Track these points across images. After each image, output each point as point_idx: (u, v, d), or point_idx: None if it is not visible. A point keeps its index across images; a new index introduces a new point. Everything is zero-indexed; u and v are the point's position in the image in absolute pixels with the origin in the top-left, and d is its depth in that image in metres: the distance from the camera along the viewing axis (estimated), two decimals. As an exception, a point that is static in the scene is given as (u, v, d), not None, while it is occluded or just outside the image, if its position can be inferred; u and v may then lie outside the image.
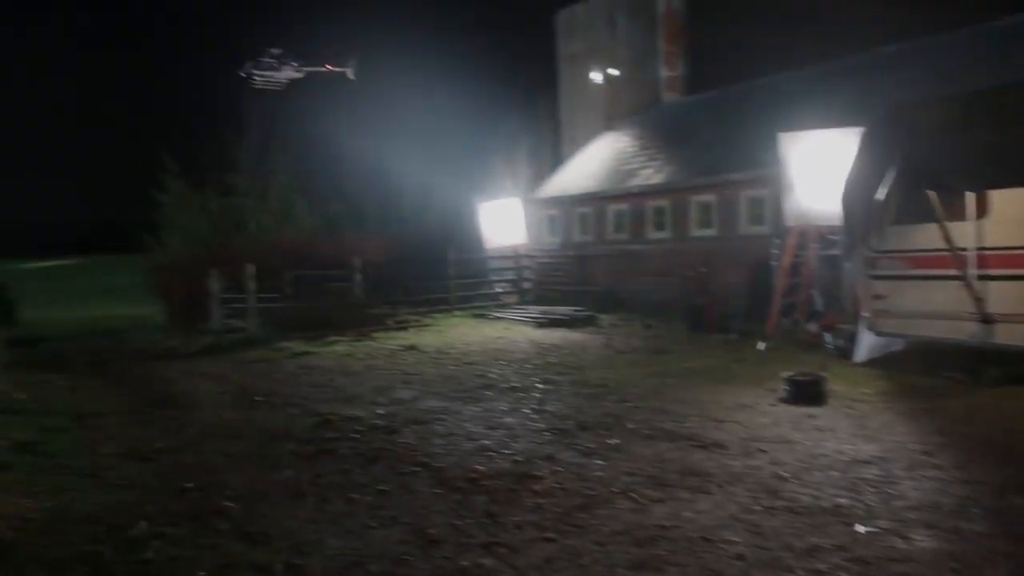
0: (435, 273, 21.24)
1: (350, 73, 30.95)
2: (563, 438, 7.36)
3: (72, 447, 7.71)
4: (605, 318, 17.59)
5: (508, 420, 8.24)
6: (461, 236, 25.55)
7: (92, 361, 15.65)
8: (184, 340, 18.91)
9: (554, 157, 28.93)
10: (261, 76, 29.46)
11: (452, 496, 5.73)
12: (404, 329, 17.47)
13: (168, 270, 25.02)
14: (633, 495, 5.56)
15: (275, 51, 29.81)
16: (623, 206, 20.67)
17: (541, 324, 17.33)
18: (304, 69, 30.46)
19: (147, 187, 27.21)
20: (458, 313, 20.11)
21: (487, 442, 7.31)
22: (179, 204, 26.85)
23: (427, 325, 18.19)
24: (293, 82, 30.41)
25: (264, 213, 28.03)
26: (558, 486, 5.87)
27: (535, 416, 8.38)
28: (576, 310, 18.40)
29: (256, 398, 10.14)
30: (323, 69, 30.99)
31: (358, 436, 7.74)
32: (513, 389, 9.96)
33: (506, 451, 6.96)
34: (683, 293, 16.16)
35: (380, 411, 8.93)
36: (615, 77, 25.27)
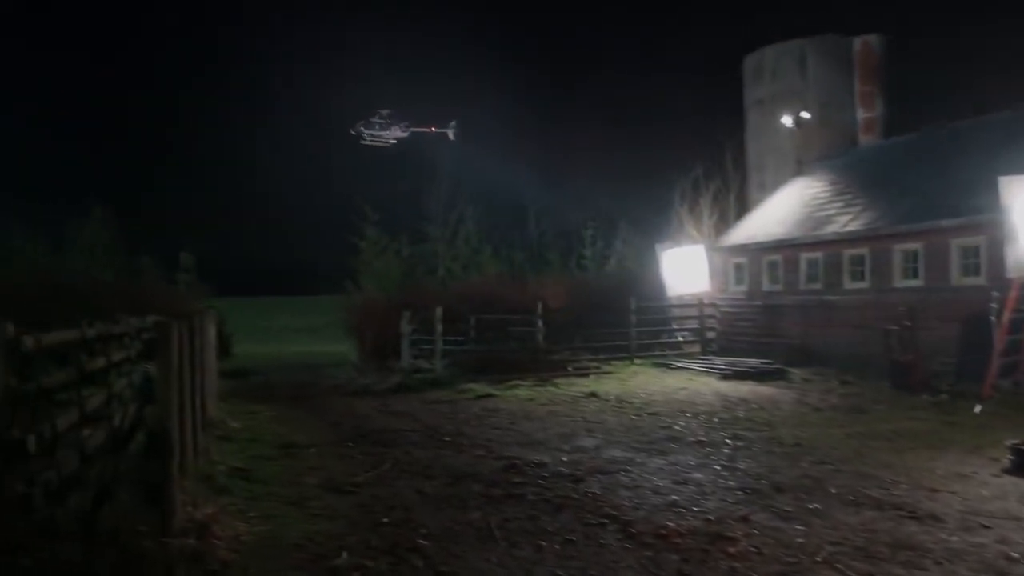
0: (616, 321, 21.11)
1: (451, 134, 32.20)
2: (757, 498, 6.97)
3: (280, 476, 8.25)
4: (796, 372, 16.68)
5: (697, 476, 7.94)
6: (643, 284, 25.35)
7: (294, 394, 16.81)
8: (376, 378, 19.88)
9: (739, 204, 28.15)
10: (371, 135, 31.32)
11: (642, 552, 5.56)
12: (584, 376, 17.44)
13: (363, 311, 26.55)
14: (839, 566, 5.14)
15: (384, 112, 31.72)
16: (817, 254, 19.64)
17: (726, 376, 16.71)
18: (410, 129, 32.17)
19: (342, 232, 29.22)
20: (638, 361, 19.82)
21: (675, 497, 7.07)
22: (375, 250, 28.55)
23: (607, 373, 18.06)
24: (400, 141, 32.24)
25: (452, 259, 29.22)
26: (754, 550, 5.54)
27: (725, 473, 8.02)
28: (764, 362, 17.60)
29: (444, 438, 10.44)
30: (428, 130, 32.61)
31: (544, 482, 7.74)
32: (700, 443, 9.61)
33: (696, 508, 6.70)
34: (884, 348, 15.01)
35: (564, 458, 8.90)
36: (806, 120, 24.31)
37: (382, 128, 31.91)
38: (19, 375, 4.98)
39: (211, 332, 14.27)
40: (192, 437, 7.19)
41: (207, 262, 32.15)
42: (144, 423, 5.46)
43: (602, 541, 5.84)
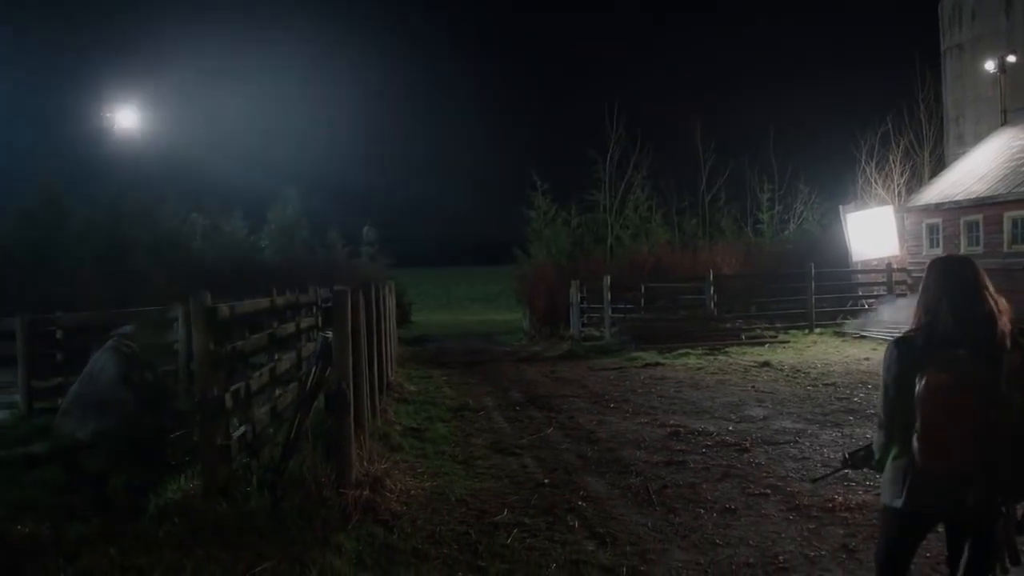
0: (794, 288, 20.20)
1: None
2: (939, 475, 6.52)
3: (450, 436, 8.69)
4: (997, 342, 15.26)
5: (873, 449, 7.53)
6: (825, 249, 24.03)
7: (467, 360, 17.51)
8: (546, 345, 20.28)
9: (934, 161, 25.92)
10: None
11: (805, 524, 5.39)
12: (758, 345, 16.85)
13: (533, 279, 27.07)
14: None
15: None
16: (1023, 213, 17.80)
17: (916, 346, 15.55)
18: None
19: (518, 204, 29.72)
20: (818, 330, 18.87)
21: (846, 470, 6.73)
22: (544, 219, 28.89)
23: (783, 342, 17.35)
24: None
25: (622, 227, 29.02)
26: (931, 528, 5.20)
27: (905, 447, 7.54)
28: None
29: (609, 404, 10.52)
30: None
31: (707, 451, 7.64)
32: (880, 415, 9.07)
33: (869, 483, 6.36)
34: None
35: (730, 427, 8.73)
36: (1013, 65, 21.88)
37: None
38: (216, 340, 5.55)
39: (390, 301, 15.12)
40: (369, 398, 7.71)
41: (391, 236, 33.89)
42: (324, 384, 5.93)
43: (763, 511, 5.71)
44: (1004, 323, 2.88)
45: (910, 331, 3.03)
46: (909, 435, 2.88)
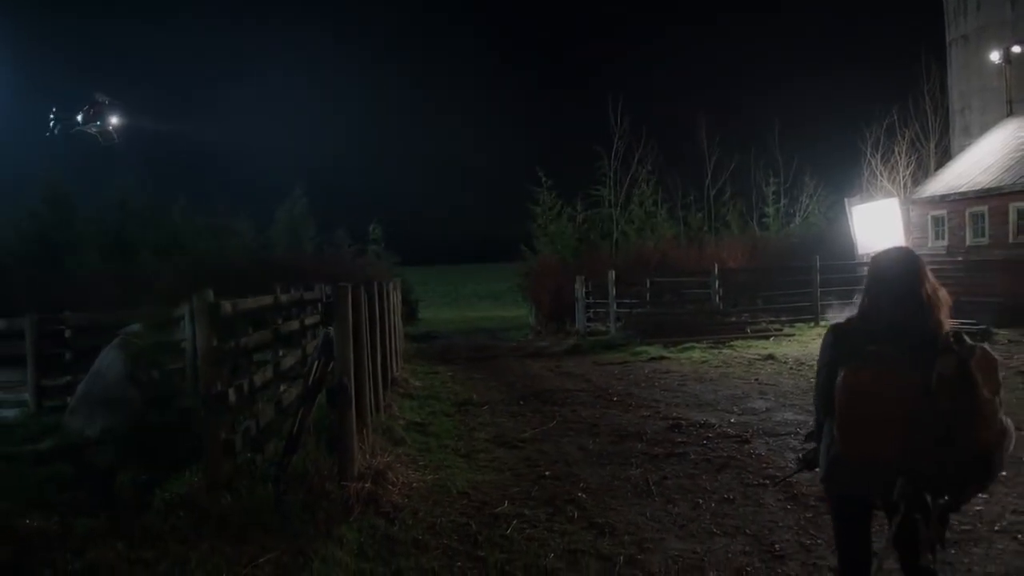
0: (799, 281, 20.20)
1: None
2: (938, 464, 6.55)
3: (453, 430, 8.76)
4: (1003, 333, 15.25)
5: (873, 439, 7.56)
6: (830, 242, 23.99)
7: (473, 356, 17.57)
8: (552, 340, 20.33)
9: (940, 152, 25.83)
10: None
11: (803, 513, 5.43)
12: (763, 338, 16.88)
13: (538, 275, 27.13)
14: (1019, 536, 4.78)
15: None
16: (1030, 204, 17.72)
17: (921, 337, 15.55)
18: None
19: (524, 201, 29.77)
20: (823, 323, 18.85)
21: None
22: (550, 215, 28.94)
23: (788, 335, 17.38)
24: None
25: (627, 223, 29.04)
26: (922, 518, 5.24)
27: (906, 437, 7.57)
28: (965, 323, 16.17)
29: (612, 398, 10.58)
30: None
31: (707, 442, 7.70)
32: (881, 407, 9.10)
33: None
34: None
35: (732, 419, 8.78)
36: (1019, 55, 21.78)
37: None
38: (220, 336, 5.64)
39: (395, 297, 15.19)
40: (373, 393, 7.78)
41: (398, 234, 33.93)
42: (327, 379, 6.00)
43: (761, 501, 5.77)
44: (938, 319, 2.84)
45: (850, 319, 3.07)
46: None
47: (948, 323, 2.88)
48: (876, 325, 2.90)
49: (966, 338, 2.81)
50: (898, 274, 2.94)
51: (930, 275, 2.93)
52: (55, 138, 24.81)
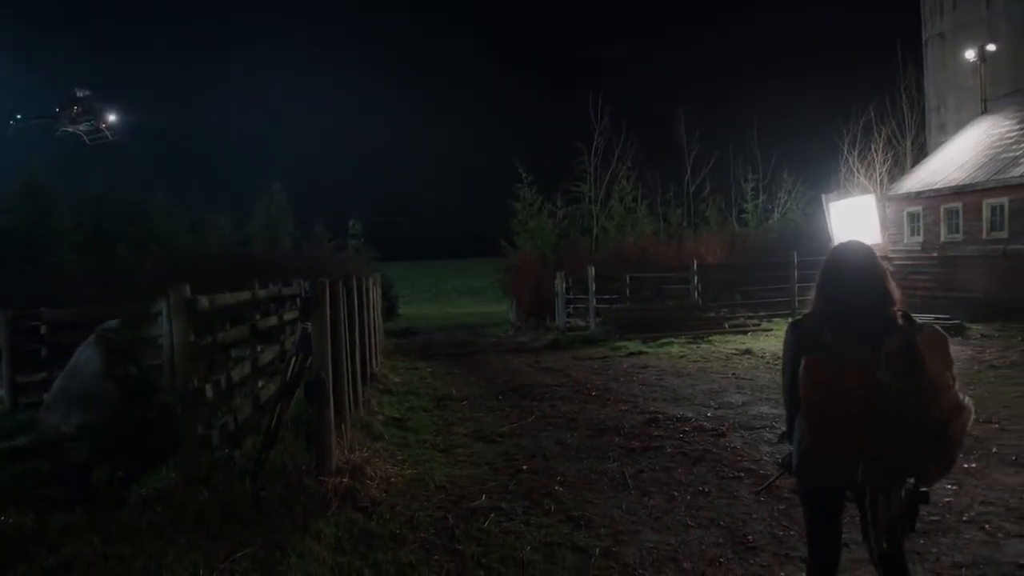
0: (777, 276, 20.40)
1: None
2: (909, 457, 6.66)
3: (432, 425, 8.79)
4: (976, 328, 15.48)
5: (846, 432, 7.67)
6: (808, 238, 24.21)
7: (453, 352, 17.59)
8: (532, 335, 20.38)
9: (916, 149, 26.14)
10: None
11: (776, 506, 5.51)
12: (741, 333, 17.04)
13: (518, 270, 27.18)
14: (986, 526, 4.88)
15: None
16: (1002, 200, 17.95)
17: (896, 332, 15.75)
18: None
19: (505, 197, 29.78)
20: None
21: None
22: (530, 210, 28.97)
23: (766, 330, 17.54)
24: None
25: (607, 218, 29.14)
26: (898, 507, 5.34)
27: (878, 431, 7.69)
28: (940, 318, 16.42)
29: (591, 393, 10.65)
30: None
31: (684, 436, 7.78)
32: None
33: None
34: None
35: (708, 413, 8.87)
36: (993, 54, 22.07)
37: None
38: (197, 331, 5.63)
39: (375, 293, 15.18)
40: (351, 388, 7.79)
41: (379, 229, 33.82)
42: (305, 374, 6.01)
43: (736, 493, 5.85)
44: (892, 312, 2.94)
45: (807, 315, 3.14)
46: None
47: (901, 311, 2.96)
48: (834, 316, 2.98)
49: (915, 319, 2.90)
50: (860, 265, 3.03)
51: (884, 268, 3.04)
52: (9, 140, 24.50)
